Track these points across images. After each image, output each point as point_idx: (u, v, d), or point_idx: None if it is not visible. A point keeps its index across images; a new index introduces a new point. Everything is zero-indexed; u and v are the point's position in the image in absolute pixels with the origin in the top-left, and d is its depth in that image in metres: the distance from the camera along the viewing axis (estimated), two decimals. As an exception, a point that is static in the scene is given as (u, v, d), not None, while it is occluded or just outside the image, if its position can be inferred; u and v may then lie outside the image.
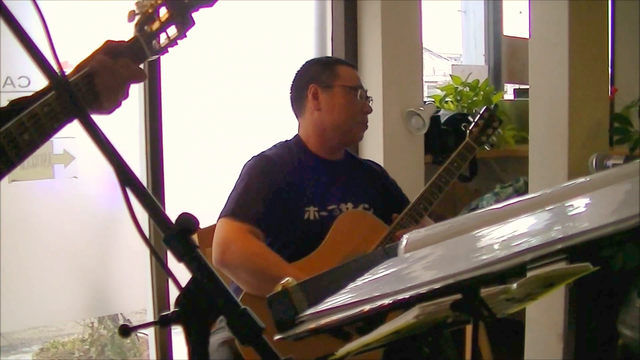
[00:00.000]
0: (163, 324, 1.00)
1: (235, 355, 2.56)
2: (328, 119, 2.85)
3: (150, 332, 3.66)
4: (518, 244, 0.83)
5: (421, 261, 1.00)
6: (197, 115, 3.83)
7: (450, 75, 5.11)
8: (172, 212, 3.31)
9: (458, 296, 0.98)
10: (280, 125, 3.79)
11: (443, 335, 2.83)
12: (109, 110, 1.53)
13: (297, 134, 2.96)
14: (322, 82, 2.86)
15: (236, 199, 2.71)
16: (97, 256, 3.58)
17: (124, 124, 3.45)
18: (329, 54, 4.24)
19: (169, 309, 3.27)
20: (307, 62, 3.00)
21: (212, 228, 2.95)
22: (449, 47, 8.28)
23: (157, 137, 3.52)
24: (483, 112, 3.01)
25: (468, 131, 2.98)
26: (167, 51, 1.59)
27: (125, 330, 1.07)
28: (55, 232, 3.40)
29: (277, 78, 3.88)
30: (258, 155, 2.85)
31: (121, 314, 4.46)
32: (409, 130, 4.19)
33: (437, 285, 0.81)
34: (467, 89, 4.87)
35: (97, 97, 1.48)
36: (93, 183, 3.49)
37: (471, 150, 2.93)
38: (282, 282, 1.11)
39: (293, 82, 2.97)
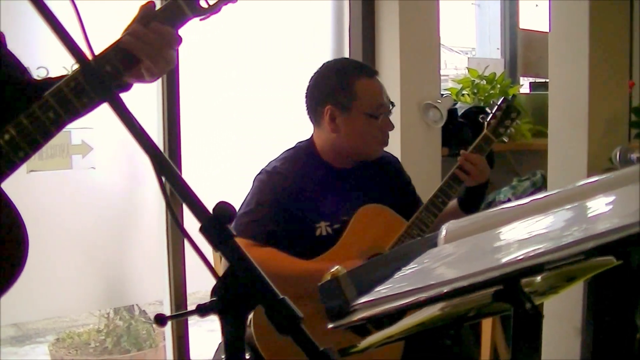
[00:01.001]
0: (200, 313, 0.99)
1: (253, 351, 2.54)
2: (346, 143, 2.73)
3: (167, 323, 3.65)
4: (566, 235, 0.82)
5: (464, 252, 0.99)
6: (215, 113, 3.81)
7: (467, 68, 5.09)
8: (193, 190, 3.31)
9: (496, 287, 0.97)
10: (295, 123, 3.79)
11: (464, 327, 2.83)
12: (152, 79, 1.49)
13: (311, 139, 2.85)
14: (339, 103, 2.70)
15: (246, 217, 2.63)
16: (114, 247, 3.58)
17: (141, 120, 3.44)
18: (347, 46, 4.22)
19: (185, 299, 3.28)
20: (325, 68, 2.82)
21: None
22: (461, 40, 8.25)
23: (175, 134, 3.51)
24: (500, 103, 2.95)
25: (485, 123, 2.93)
26: (219, 9, 1.48)
27: (162, 319, 1.06)
28: (72, 222, 3.40)
29: (294, 76, 3.87)
30: (269, 168, 2.75)
31: (137, 304, 4.48)
32: (426, 123, 4.18)
33: (489, 276, 0.80)
34: (484, 82, 4.85)
35: (132, 67, 1.44)
36: (111, 174, 3.50)
37: (489, 142, 2.89)
38: (331, 270, 1.10)
39: (309, 89, 2.81)
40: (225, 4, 1.48)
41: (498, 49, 6.08)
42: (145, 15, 1.45)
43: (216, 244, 1.01)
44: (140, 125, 1.08)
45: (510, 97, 3.30)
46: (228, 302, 0.98)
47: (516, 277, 0.88)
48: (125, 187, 3.58)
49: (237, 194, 2.75)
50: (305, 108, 2.83)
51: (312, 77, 2.82)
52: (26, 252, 1.39)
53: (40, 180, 3.21)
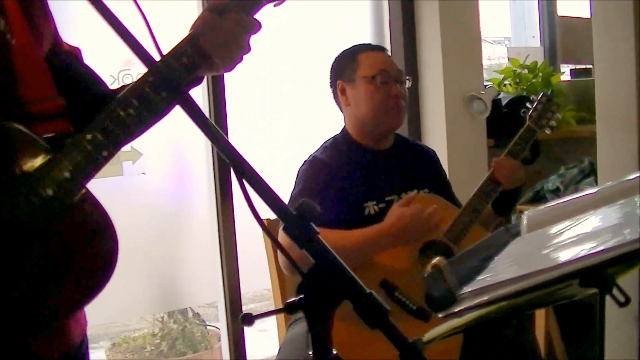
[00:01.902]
0: (288, 311, 1.00)
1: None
2: (358, 112, 2.85)
3: (222, 324, 3.68)
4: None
5: (554, 241, 0.99)
6: (258, 111, 3.83)
7: (508, 58, 5.06)
8: (240, 204, 3.35)
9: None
10: (335, 121, 3.81)
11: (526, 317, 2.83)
12: (228, 68, 1.48)
13: (344, 128, 2.96)
14: (346, 76, 2.87)
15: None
16: (166, 251, 3.61)
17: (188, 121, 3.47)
18: (388, 44, 4.22)
19: (240, 300, 3.30)
20: (336, 56, 2.99)
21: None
22: (493, 30, 8.20)
23: (223, 131, 3.54)
24: (540, 97, 2.99)
25: (527, 116, 2.96)
26: None
27: (249, 319, 1.07)
28: (124, 228, 3.40)
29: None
30: (310, 158, 2.84)
31: (190, 307, 4.52)
32: (471, 114, 4.17)
33: (587, 263, 0.80)
34: (525, 71, 4.82)
35: (207, 58, 1.42)
36: (161, 179, 3.53)
37: (532, 132, 2.92)
38: (433, 261, 1.11)
39: (329, 77, 2.98)
40: None
41: (534, 37, 6.04)
42: (218, 5, 1.44)
43: (300, 242, 1.01)
44: (215, 126, 1.09)
45: (549, 91, 3.30)
46: (315, 298, 0.99)
47: (604, 265, 0.88)
48: (175, 191, 3.61)
49: (283, 188, 2.78)
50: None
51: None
52: (116, 251, 1.40)
53: (92, 188, 3.22)
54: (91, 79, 1.69)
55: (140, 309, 3.86)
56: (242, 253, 3.60)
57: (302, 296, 1.00)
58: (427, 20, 4.17)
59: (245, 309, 3.70)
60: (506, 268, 0.99)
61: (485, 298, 1.00)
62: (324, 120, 3.91)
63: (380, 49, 2.97)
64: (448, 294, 1.11)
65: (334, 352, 1.02)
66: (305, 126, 3.97)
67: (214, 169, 3.54)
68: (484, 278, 1.02)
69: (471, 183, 3.02)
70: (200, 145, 3.58)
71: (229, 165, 1.06)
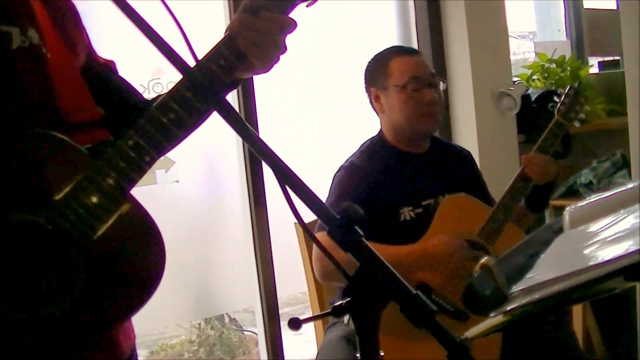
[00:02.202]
0: (336, 314, 1.01)
1: (354, 349, 2.57)
2: (393, 119, 2.84)
3: (260, 329, 3.70)
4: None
5: (599, 237, 1.00)
6: (285, 113, 3.85)
7: (536, 52, 5.05)
8: (274, 208, 3.36)
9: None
10: (364, 123, 3.81)
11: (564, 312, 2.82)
12: (265, 69, 1.47)
13: (380, 130, 2.95)
14: (378, 84, 2.87)
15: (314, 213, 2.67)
16: (201, 258, 3.63)
17: (219, 122, 3.49)
18: (415, 42, 4.22)
19: (277, 304, 3.32)
20: (369, 60, 2.99)
21: (312, 222, 2.99)
22: (518, 25, 8.18)
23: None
24: (568, 90, 2.97)
25: (556, 110, 2.95)
26: None
27: (296, 323, 1.09)
28: (160, 237, 3.46)
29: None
30: (346, 164, 2.84)
31: (227, 313, 4.54)
32: (501, 111, 4.16)
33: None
34: (554, 65, 4.80)
35: (244, 58, 1.42)
36: (194, 186, 3.56)
37: (561, 126, 2.90)
38: (481, 260, 1.12)
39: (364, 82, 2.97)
40: None
41: (560, 30, 6.01)
42: (253, 5, 1.44)
43: (345, 246, 1.02)
44: (253, 131, 1.10)
45: (576, 83, 3.29)
46: (361, 301, 1.00)
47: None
48: (208, 198, 3.64)
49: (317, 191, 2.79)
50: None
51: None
52: (164, 258, 1.41)
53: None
54: (126, 89, 1.71)
55: (177, 316, 3.89)
56: (276, 257, 3.62)
57: (348, 299, 1.01)
58: (454, 17, 4.16)
59: (281, 312, 3.72)
60: (553, 266, 1.00)
61: (536, 296, 1.01)
62: (350, 120, 3.94)
63: (412, 52, 2.96)
64: (498, 293, 1.11)
65: (381, 354, 1.03)
66: (331, 126, 3.98)
67: (246, 174, 3.56)
68: (533, 276, 1.02)
69: (503, 180, 3.02)
70: (232, 151, 3.60)
71: (272, 171, 1.05)
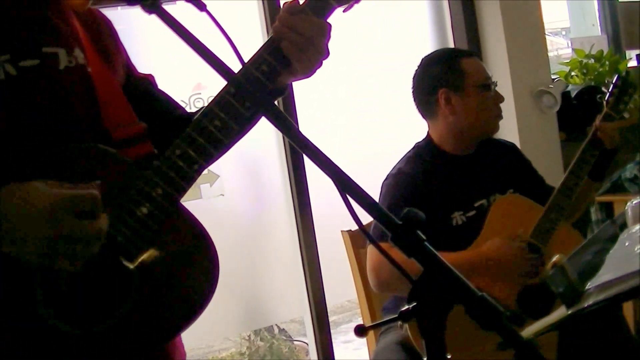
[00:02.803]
0: (402, 319, 1.01)
1: (410, 354, 2.57)
2: (465, 121, 2.76)
3: (310, 338, 3.71)
4: None
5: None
6: (317, 115, 3.86)
7: (573, 49, 5.02)
8: (319, 216, 3.36)
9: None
10: (404, 125, 3.81)
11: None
12: (308, 73, 1.48)
13: (428, 136, 2.88)
14: (451, 84, 2.76)
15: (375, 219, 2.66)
16: (249, 270, 3.65)
17: (260, 133, 3.52)
18: (450, 41, 4.22)
19: (327, 313, 3.32)
20: (425, 60, 2.88)
21: (359, 230, 2.98)
22: (552, 22, 8.11)
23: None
24: (616, 81, 2.93)
25: (605, 102, 2.91)
26: None
27: (362, 330, 1.09)
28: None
29: (398, 77, 3.92)
30: (394, 172, 2.80)
31: (276, 324, 4.56)
32: (541, 109, 4.15)
33: None
34: (592, 60, 4.77)
35: (287, 63, 1.43)
36: (239, 198, 3.58)
37: (611, 120, 2.87)
38: (553, 259, 1.12)
39: (416, 84, 2.87)
40: None
41: (594, 25, 5.97)
42: (292, 11, 1.45)
43: (408, 251, 1.02)
44: (305, 137, 1.11)
45: (624, 73, 3.25)
46: (427, 305, 1.00)
47: None
48: (254, 210, 3.66)
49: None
50: (416, 104, 2.89)
51: (414, 74, 2.89)
52: (217, 269, 1.42)
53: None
54: (167, 102, 1.73)
55: (225, 330, 3.90)
56: (322, 266, 3.63)
57: (414, 304, 1.01)
58: (489, 16, 4.16)
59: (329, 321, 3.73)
60: (623, 262, 0.99)
61: (612, 292, 1.00)
62: (384, 121, 3.94)
63: (476, 54, 2.95)
64: (572, 290, 1.11)
65: (449, 357, 1.03)
66: (365, 127, 3.99)
67: (290, 184, 3.58)
68: (605, 273, 1.02)
69: (546, 178, 3.01)
70: (274, 161, 3.62)
71: (331, 179, 1.06)
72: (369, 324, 3.00)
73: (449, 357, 1.03)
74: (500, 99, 2.83)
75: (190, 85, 3.41)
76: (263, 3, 3.59)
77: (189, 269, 1.41)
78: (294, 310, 3.85)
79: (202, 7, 1.24)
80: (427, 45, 4.21)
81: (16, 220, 1.19)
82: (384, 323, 1.14)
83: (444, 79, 2.78)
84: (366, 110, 4.00)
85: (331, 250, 3.52)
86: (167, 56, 3.21)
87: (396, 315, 1.04)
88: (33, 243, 1.19)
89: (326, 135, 3.81)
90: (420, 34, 4.26)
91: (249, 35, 3.56)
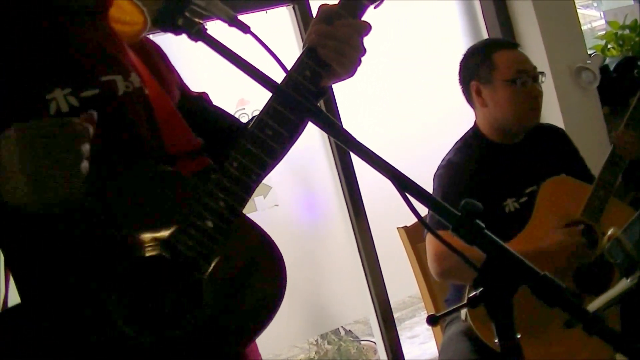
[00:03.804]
0: (471, 304, 1.06)
1: (475, 343, 2.61)
2: (497, 114, 2.79)
3: (378, 337, 3.75)
4: None
5: None
6: (348, 114, 3.91)
7: (606, 21, 5.00)
8: (372, 214, 3.38)
9: None
10: (441, 121, 3.85)
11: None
12: (349, 73, 1.52)
13: (475, 125, 2.92)
14: (481, 77, 2.80)
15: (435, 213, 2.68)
16: (310, 276, 3.70)
17: (307, 141, 3.58)
18: (482, 27, 4.24)
19: (391, 310, 3.36)
20: (467, 50, 2.93)
21: (416, 224, 3.03)
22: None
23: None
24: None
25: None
26: None
27: (434, 319, 1.14)
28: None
29: (434, 72, 3.97)
30: (444, 163, 2.83)
31: (342, 327, 4.61)
32: (581, 86, 4.14)
33: None
34: (627, 31, 4.75)
35: (328, 67, 1.48)
36: (293, 207, 3.64)
37: (630, 129, 2.83)
38: (609, 233, 1.16)
39: (458, 74, 2.92)
40: None
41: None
42: (326, 14, 1.50)
43: (470, 240, 1.07)
44: (354, 138, 1.16)
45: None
46: (494, 289, 1.05)
47: None
48: (309, 217, 3.71)
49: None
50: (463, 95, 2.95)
51: (459, 62, 2.94)
52: (285, 276, 1.47)
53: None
54: (223, 117, 1.80)
55: (292, 337, 3.95)
56: (384, 263, 3.68)
57: (481, 289, 1.06)
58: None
59: (392, 318, 3.77)
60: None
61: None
62: (415, 118, 3.98)
63: (515, 46, 2.91)
64: (630, 259, 1.15)
65: (518, 337, 1.07)
66: (396, 124, 4.02)
67: (342, 187, 3.63)
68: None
69: (594, 154, 3.02)
70: (323, 167, 3.68)
71: (388, 178, 1.11)
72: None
73: (518, 336, 1.07)
74: (534, 92, 2.80)
75: (234, 101, 3.49)
76: (294, 9, 3.65)
77: (258, 273, 1.46)
78: (358, 311, 3.90)
79: (246, 30, 1.30)
80: (458, 28, 4.24)
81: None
82: (454, 310, 1.19)
83: (476, 72, 2.82)
84: (400, 105, 4.04)
85: (387, 247, 3.56)
86: (209, 74, 3.28)
87: (465, 302, 1.09)
88: (15, 179, 1.22)
89: (362, 131, 3.86)
90: (450, 18, 4.28)
91: (284, 41, 3.62)
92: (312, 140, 3.59)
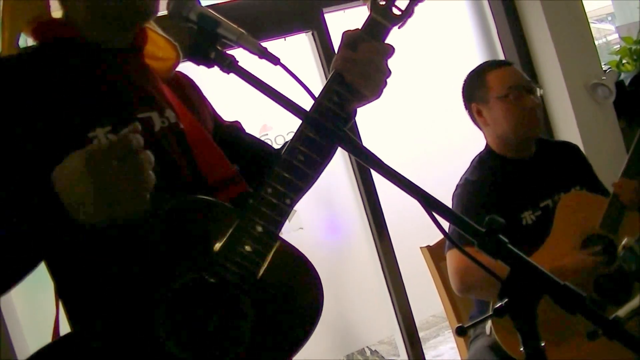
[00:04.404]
0: (498, 314, 1.12)
1: (500, 357, 2.65)
2: (498, 130, 2.91)
3: (403, 357, 3.78)
4: None
5: None
6: (383, 135, 3.98)
7: (620, 37, 5.04)
8: (396, 236, 3.42)
9: None
10: (459, 143, 3.89)
11: None
12: (376, 95, 1.56)
13: (486, 144, 3.03)
14: (479, 98, 2.94)
15: (455, 230, 2.73)
16: (335, 299, 3.76)
17: (332, 169, 3.64)
18: (498, 47, 4.30)
19: (416, 329, 3.39)
20: (467, 75, 3.05)
21: (439, 243, 3.08)
22: (595, 9, 8.11)
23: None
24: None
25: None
26: (412, 12, 1.55)
27: (462, 329, 1.20)
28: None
29: (447, 82, 4.02)
30: (461, 182, 2.93)
31: (367, 347, 4.64)
32: (597, 101, 4.19)
33: None
34: (640, 46, 4.79)
35: (355, 91, 1.53)
36: (317, 230, 3.70)
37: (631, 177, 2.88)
38: (623, 242, 1.21)
39: (462, 99, 3.04)
40: (416, 5, 1.54)
41: (639, 8, 5.97)
42: (350, 40, 1.55)
43: (494, 254, 1.13)
44: (383, 161, 1.22)
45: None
46: (518, 299, 1.11)
47: None
48: (333, 239, 3.76)
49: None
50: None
51: (461, 89, 3.06)
52: (321, 299, 1.54)
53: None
54: (257, 144, 1.88)
55: (318, 358, 3.99)
56: (409, 282, 3.72)
57: (506, 300, 1.12)
58: (532, 16, 4.22)
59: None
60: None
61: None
62: (424, 122, 4.03)
63: (506, 64, 3.03)
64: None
65: (542, 344, 1.13)
66: (406, 130, 4.10)
67: (364, 209, 3.68)
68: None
69: (612, 169, 3.04)
70: (346, 189, 3.74)
71: (416, 199, 1.17)
72: (459, 337, 3.11)
73: (542, 344, 1.12)
74: (528, 104, 2.87)
75: (257, 127, 3.56)
76: (313, 35, 3.73)
77: (297, 290, 1.53)
78: (383, 331, 3.94)
79: (276, 61, 1.37)
80: (476, 58, 4.29)
81: (68, 189, 1.29)
82: (481, 321, 1.24)
83: (474, 94, 2.97)
84: (416, 126, 4.14)
85: (410, 267, 3.61)
86: (233, 101, 3.36)
87: (491, 313, 1.14)
88: (90, 201, 1.28)
89: (375, 139, 3.94)
90: (466, 40, 4.35)
91: (304, 68, 3.69)
92: (334, 163, 3.63)
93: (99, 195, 1.28)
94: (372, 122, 3.92)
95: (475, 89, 2.96)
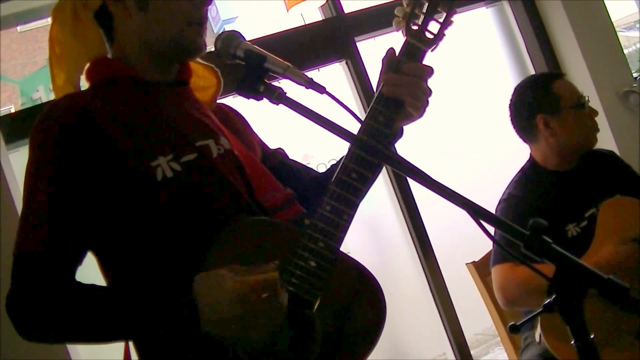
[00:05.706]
0: (548, 310, 1.19)
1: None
2: (566, 141, 2.91)
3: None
4: None
5: None
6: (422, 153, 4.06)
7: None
8: (439, 251, 3.45)
9: None
10: (486, 136, 3.93)
11: None
12: (420, 114, 1.66)
13: (531, 158, 3.05)
14: (548, 109, 2.92)
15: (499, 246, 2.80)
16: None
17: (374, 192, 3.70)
18: (528, 62, 4.36)
19: (467, 344, 3.43)
20: (519, 88, 3.05)
21: (484, 258, 3.12)
22: (621, 17, 8.09)
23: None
24: None
25: None
26: (443, 35, 1.64)
27: (515, 328, 1.28)
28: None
29: (478, 90, 4.07)
30: (505, 196, 2.95)
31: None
32: (630, 109, 4.22)
33: None
34: (670, 51, 4.83)
35: (401, 111, 1.62)
36: (363, 252, 3.80)
37: None
38: None
39: (513, 112, 3.04)
40: (447, 28, 1.64)
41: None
42: (391, 63, 1.65)
43: (539, 254, 1.21)
44: (430, 176, 1.30)
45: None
46: (566, 294, 1.18)
47: None
48: (379, 260, 3.83)
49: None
50: (516, 130, 3.07)
51: (510, 103, 3.07)
52: (382, 296, 1.62)
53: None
54: (301, 169, 1.97)
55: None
56: (456, 296, 3.78)
57: (554, 296, 1.19)
58: (559, 28, 4.30)
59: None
60: None
61: None
62: (451, 132, 4.07)
63: (563, 75, 3.07)
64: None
65: (592, 336, 1.20)
66: (433, 141, 4.19)
67: (408, 229, 3.74)
68: None
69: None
70: (389, 210, 3.80)
71: (465, 210, 1.24)
72: (510, 349, 3.14)
73: (592, 336, 1.19)
74: (594, 113, 2.97)
75: (299, 157, 3.64)
76: (347, 64, 3.82)
77: (360, 302, 1.60)
78: (434, 350, 3.97)
79: (322, 90, 1.46)
80: (508, 76, 4.35)
81: (212, 305, 1.41)
82: (533, 317, 1.31)
83: (540, 105, 2.94)
84: (451, 128, 4.23)
85: (456, 284, 3.65)
86: (275, 131, 3.45)
87: (541, 309, 1.22)
88: (230, 323, 1.41)
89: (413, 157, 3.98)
90: (495, 57, 4.42)
91: (340, 96, 3.77)
92: (376, 185, 3.72)
93: (239, 321, 1.41)
94: (412, 140, 3.99)
95: (542, 100, 2.95)
